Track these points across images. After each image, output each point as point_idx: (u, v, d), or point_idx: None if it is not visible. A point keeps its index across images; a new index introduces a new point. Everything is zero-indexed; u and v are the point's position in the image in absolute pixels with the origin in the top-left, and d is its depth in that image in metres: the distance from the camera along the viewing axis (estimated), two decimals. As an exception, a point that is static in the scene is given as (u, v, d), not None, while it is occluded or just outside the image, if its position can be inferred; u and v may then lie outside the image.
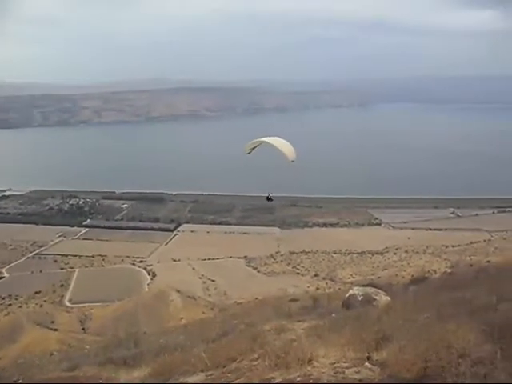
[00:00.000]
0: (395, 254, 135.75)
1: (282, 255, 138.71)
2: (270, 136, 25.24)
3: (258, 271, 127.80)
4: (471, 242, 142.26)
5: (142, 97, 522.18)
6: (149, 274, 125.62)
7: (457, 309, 13.12)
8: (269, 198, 39.05)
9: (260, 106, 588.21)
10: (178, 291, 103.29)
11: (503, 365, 8.04)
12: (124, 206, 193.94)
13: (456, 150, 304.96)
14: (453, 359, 8.45)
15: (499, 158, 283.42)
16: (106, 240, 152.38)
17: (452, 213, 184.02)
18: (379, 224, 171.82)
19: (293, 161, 23.91)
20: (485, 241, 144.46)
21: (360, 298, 18.92)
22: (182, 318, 76.31)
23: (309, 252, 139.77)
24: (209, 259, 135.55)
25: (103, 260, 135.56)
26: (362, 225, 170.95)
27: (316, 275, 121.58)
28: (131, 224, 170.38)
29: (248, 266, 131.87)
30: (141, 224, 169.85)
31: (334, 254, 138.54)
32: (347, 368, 9.64)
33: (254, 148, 26.31)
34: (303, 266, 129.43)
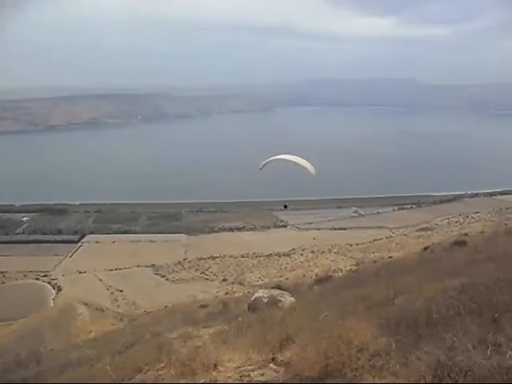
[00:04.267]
0: (302, 254, 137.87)
1: (189, 262, 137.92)
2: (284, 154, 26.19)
3: (167, 279, 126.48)
4: (374, 240, 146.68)
5: (39, 105, 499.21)
6: (54, 288, 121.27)
7: (357, 305, 13.58)
8: (285, 206, 40.52)
9: (162, 113, 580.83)
10: (86, 304, 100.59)
11: (398, 355, 8.42)
12: (24, 219, 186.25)
13: (356, 151, 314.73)
14: (352, 354, 8.76)
15: (396, 157, 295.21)
16: (6, 255, 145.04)
17: (355, 212, 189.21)
18: (285, 226, 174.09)
19: (313, 175, 24.70)
20: (387, 237, 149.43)
21: (265, 301, 19.15)
22: (90, 332, 74.22)
23: (216, 257, 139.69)
24: (116, 269, 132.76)
25: (4, 276, 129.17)
26: (268, 227, 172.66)
27: (225, 280, 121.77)
28: (33, 237, 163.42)
29: (156, 274, 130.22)
30: (43, 237, 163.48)
31: (242, 257, 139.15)
32: (252, 370, 9.78)
33: (265, 164, 26.75)
34: (212, 272, 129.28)
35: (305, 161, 25.49)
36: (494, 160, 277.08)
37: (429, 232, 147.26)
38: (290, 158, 25.50)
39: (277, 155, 27.57)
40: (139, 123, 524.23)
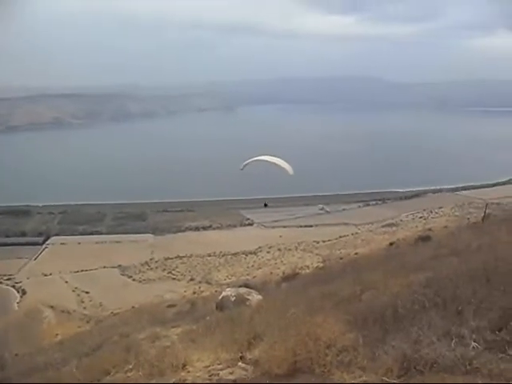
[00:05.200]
0: (268, 252, 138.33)
1: (156, 262, 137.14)
2: (264, 155, 27.33)
3: (134, 279, 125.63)
4: (340, 236, 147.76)
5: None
6: (18, 292, 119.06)
7: (324, 301, 13.72)
8: (265, 205, 41.58)
9: (127, 112, 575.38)
10: (51, 307, 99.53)
11: (365, 350, 8.55)
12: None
13: (321, 148, 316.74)
14: (320, 350, 8.86)
15: (361, 155, 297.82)
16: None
17: (321, 209, 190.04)
18: (251, 224, 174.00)
19: (292, 174, 25.59)
20: (352, 234, 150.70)
21: (233, 299, 19.22)
22: (56, 335, 73.46)
23: (183, 257, 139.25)
24: (82, 271, 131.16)
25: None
26: (235, 226, 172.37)
27: (192, 279, 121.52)
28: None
29: (122, 274, 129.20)
30: (6, 239, 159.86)
31: (209, 256, 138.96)
32: (221, 369, 9.81)
33: (246, 165, 27.33)
34: (179, 271, 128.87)
35: (283, 161, 26.19)
36: (456, 156, 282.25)
37: (394, 228, 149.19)
38: (269, 159, 26.13)
39: (250, 155, 28.07)
40: (104, 123, 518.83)
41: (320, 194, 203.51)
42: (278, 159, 26.75)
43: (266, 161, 26.59)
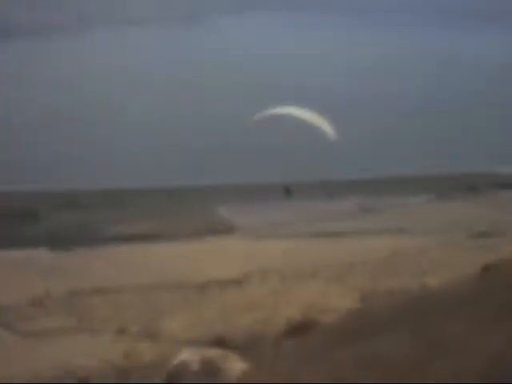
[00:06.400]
0: (263, 283, 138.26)
1: (56, 298, 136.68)
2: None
3: (16, 331, 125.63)
4: (393, 254, 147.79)
5: None
6: None
7: (364, 373, 13.71)
8: (288, 191, 42.65)
9: (14, 23, 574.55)
10: None
11: None
12: None
13: (358, 95, 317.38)
14: None
15: (436, 103, 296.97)
16: None
17: (358, 204, 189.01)
18: (232, 230, 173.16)
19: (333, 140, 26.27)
20: (415, 250, 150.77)
21: (196, 369, 19.24)
22: None
23: (106, 289, 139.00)
24: None
25: None
26: (202, 234, 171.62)
27: (122, 331, 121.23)
28: None
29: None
30: None
31: (155, 289, 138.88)
32: None
33: (263, 120, 28.01)
34: (98, 316, 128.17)
35: (319, 117, 26.51)
36: None
37: (493, 239, 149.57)
38: (297, 114, 26.44)
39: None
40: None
41: (355, 177, 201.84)
42: (311, 114, 27.00)
43: (291, 115, 26.92)
